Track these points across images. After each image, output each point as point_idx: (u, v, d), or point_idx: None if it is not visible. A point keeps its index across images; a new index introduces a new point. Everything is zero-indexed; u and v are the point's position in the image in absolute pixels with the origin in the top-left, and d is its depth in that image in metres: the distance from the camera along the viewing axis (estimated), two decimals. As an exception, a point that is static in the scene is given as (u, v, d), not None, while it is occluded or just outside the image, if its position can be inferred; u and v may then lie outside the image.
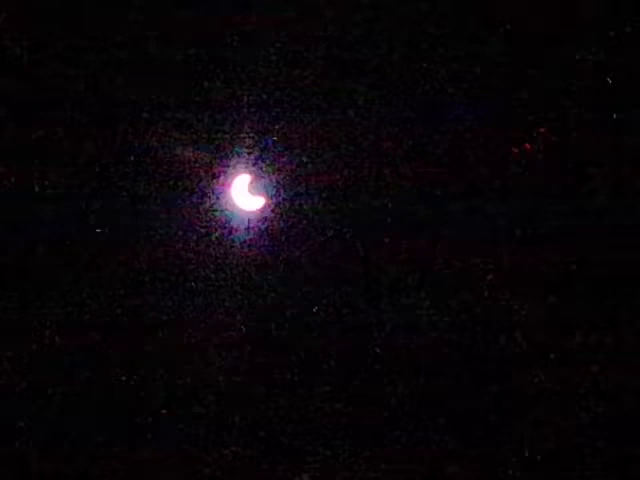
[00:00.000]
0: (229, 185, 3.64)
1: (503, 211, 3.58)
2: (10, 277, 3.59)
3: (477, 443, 3.52)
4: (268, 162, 3.62)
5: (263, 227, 3.63)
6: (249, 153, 3.61)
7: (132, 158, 3.62)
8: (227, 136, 3.60)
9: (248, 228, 3.63)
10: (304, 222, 3.62)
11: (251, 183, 3.63)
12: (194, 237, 3.61)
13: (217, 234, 3.61)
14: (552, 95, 3.59)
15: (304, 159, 3.62)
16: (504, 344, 3.56)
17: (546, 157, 3.59)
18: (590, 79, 3.58)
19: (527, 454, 3.49)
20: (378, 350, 3.59)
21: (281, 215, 3.63)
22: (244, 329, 3.62)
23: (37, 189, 3.61)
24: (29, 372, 3.56)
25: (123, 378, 3.57)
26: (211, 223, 3.62)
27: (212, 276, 3.61)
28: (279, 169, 3.62)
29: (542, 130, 3.59)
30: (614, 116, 3.56)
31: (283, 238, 3.62)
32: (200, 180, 3.61)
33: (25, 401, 3.55)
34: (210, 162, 3.60)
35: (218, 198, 3.63)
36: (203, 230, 3.61)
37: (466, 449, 3.52)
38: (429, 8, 3.60)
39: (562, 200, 3.59)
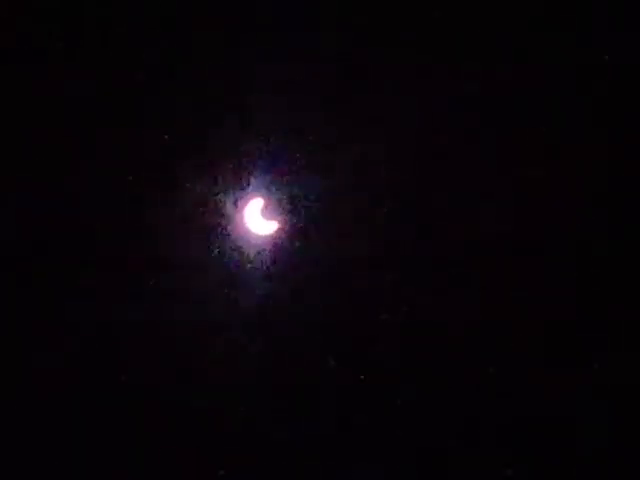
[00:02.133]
0: (242, 208, 3.63)
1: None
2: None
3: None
4: (281, 185, 3.59)
5: (276, 251, 3.61)
6: (262, 176, 3.59)
7: (142, 177, 3.60)
8: (241, 159, 3.58)
9: (261, 252, 3.62)
10: (317, 245, 3.60)
11: (264, 207, 3.62)
12: (207, 260, 3.60)
13: (230, 257, 3.60)
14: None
15: (318, 182, 3.59)
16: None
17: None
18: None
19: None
20: (393, 375, 3.58)
21: (294, 239, 3.61)
22: (257, 352, 3.63)
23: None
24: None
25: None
26: (224, 246, 3.61)
27: (224, 299, 3.61)
28: (292, 191, 3.59)
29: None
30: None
31: (296, 262, 3.61)
32: (213, 204, 3.60)
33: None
34: (223, 185, 3.59)
35: (231, 221, 3.62)
36: (216, 253, 3.60)
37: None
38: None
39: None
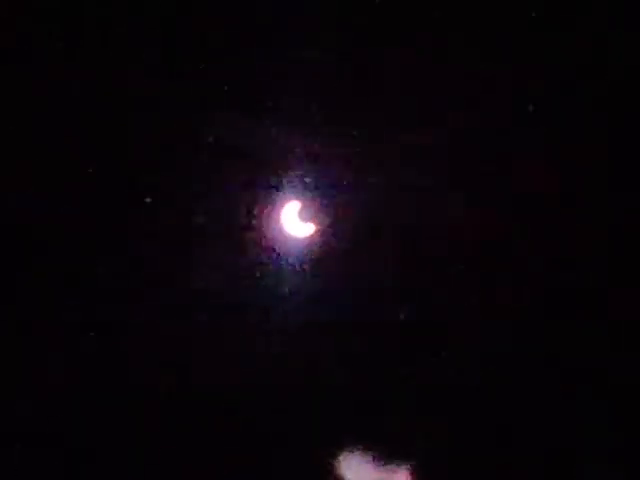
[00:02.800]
0: (279, 211, 3.60)
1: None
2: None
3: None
4: (318, 189, 3.56)
5: (313, 254, 3.61)
6: (300, 179, 3.56)
7: (173, 179, 3.56)
8: (278, 163, 3.54)
9: (298, 255, 3.61)
10: (354, 249, 3.61)
11: (301, 209, 3.59)
12: (243, 263, 3.60)
13: (266, 260, 3.59)
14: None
15: (354, 186, 3.57)
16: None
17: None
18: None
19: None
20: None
21: (331, 242, 3.61)
22: (293, 357, 3.67)
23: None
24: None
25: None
26: (261, 249, 3.60)
27: (261, 303, 3.62)
28: (329, 196, 3.58)
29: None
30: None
31: (333, 265, 3.61)
32: (250, 205, 3.56)
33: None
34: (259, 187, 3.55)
35: (268, 224, 3.60)
36: (252, 256, 3.59)
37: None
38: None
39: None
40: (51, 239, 3.54)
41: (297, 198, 3.59)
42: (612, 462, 3.52)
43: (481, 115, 3.52)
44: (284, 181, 3.55)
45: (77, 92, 3.43)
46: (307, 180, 3.55)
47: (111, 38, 3.41)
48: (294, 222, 3.60)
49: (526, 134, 3.58)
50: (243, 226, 3.57)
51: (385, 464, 3.56)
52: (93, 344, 3.57)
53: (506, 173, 3.57)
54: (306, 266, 3.60)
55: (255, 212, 3.56)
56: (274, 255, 3.60)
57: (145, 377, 3.57)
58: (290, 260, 3.60)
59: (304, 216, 3.60)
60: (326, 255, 3.61)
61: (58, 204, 3.50)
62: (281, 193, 3.57)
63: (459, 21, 3.45)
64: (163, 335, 3.58)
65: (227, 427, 3.59)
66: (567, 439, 3.58)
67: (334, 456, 3.55)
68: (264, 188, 3.56)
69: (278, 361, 3.64)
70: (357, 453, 3.55)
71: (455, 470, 3.57)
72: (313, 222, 3.61)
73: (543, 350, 3.58)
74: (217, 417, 3.59)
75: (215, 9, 3.42)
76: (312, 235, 3.62)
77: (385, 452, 3.57)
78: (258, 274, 3.59)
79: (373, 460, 3.55)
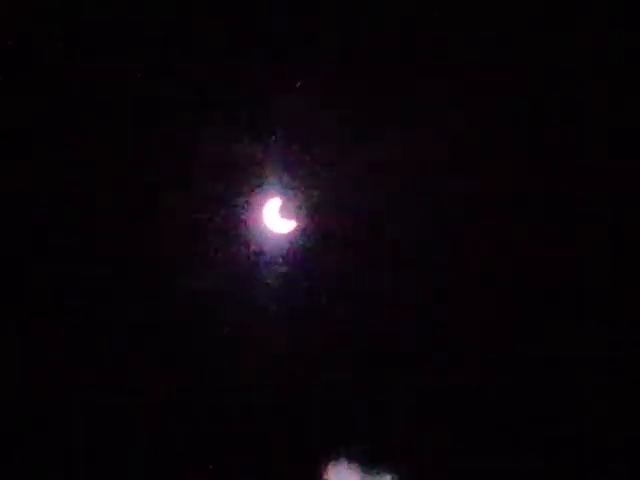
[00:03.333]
0: (261, 208, 3.67)
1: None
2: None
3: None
4: (300, 186, 3.62)
5: (294, 249, 3.66)
6: (281, 177, 3.61)
7: (158, 178, 3.62)
8: (260, 161, 3.59)
9: (280, 251, 3.66)
10: (335, 245, 3.64)
11: (283, 206, 3.66)
12: (227, 259, 3.64)
13: (249, 256, 3.65)
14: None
15: (336, 182, 3.61)
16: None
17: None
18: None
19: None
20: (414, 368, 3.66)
21: (312, 238, 3.65)
22: (276, 349, 3.69)
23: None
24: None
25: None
26: (243, 245, 3.65)
27: (244, 297, 3.66)
28: (310, 193, 3.63)
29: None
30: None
31: (314, 260, 3.66)
32: (233, 203, 3.62)
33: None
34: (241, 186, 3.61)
35: (250, 221, 3.65)
36: (235, 252, 3.64)
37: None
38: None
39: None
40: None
41: (279, 196, 3.66)
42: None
43: (470, 113, 3.55)
44: (266, 179, 3.61)
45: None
46: (289, 178, 3.61)
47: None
48: (276, 219, 3.67)
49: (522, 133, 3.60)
50: (227, 223, 3.62)
51: (372, 469, 3.57)
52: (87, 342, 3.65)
53: (489, 170, 3.58)
54: (288, 262, 3.65)
55: (238, 210, 3.62)
56: (257, 251, 3.65)
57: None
58: (272, 256, 3.66)
59: (286, 213, 3.66)
60: (308, 251, 3.66)
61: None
62: (263, 191, 3.64)
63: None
64: (150, 327, 3.64)
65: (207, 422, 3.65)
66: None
67: (322, 462, 3.57)
68: (247, 186, 3.62)
69: (261, 357, 3.67)
70: (345, 458, 3.57)
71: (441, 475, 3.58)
72: (294, 219, 3.67)
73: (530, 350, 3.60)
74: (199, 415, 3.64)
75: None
76: (294, 231, 3.67)
77: (372, 457, 3.58)
78: (242, 269, 3.65)
79: (360, 465, 3.56)
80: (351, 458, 3.57)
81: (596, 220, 3.55)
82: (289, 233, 3.66)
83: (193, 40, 3.50)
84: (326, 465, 3.55)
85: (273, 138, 3.53)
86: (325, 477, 3.55)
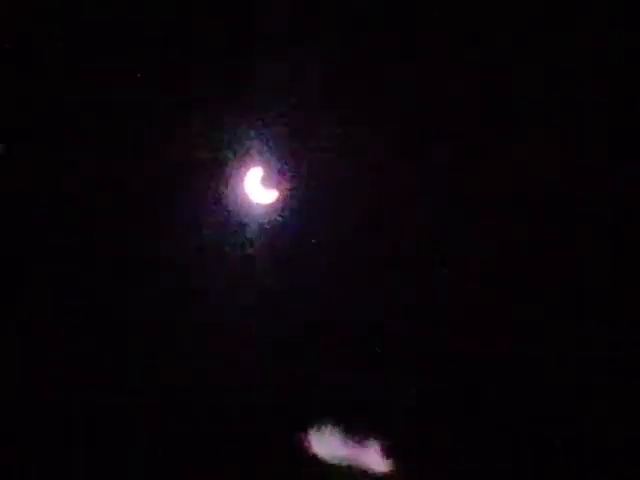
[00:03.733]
0: (242, 178, 3.65)
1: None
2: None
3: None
4: (281, 155, 3.61)
5: (276, 220, 3.64)
6: (262, 147, 3.60)
7: (139, 153, 3.62)
8: (240, 130, 3.58)
9: (261, 221, 3.64)
10: (316, 215, 3.64)
11: (264, 176, 3.63)
12: (206, 230, 3.63)
13: (229, 227, 3.63)
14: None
15: (317, 152, 3.59)
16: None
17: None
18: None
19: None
20: (388, 344, 3.66)
21: (294, 208, 3.64)
22: (254, 324, 3.67)
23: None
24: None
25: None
26: (223, 216, 3.64)
27: (223, 269, 3.65)
28: (292, 162, 3.61)
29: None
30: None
31: (295, 231, 3.65)
32: (212, 173, 3.62)
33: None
34: (223, 155, 3.60)
35: (230, 191, 3.64)
36: (215, 223, 3.63)
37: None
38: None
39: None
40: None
41: (260, 165, 3.64)
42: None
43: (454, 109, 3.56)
44: (248, 149, 3.60)
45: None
46: (270, 148, 3.59)
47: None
48: (257, 189, 3.65)
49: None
50: (208, 194, 3.62)
51: (356, 439, 3.58)
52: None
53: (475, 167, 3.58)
54: (269, 232, 3.64)
55: (219, 179, 3.62)
56: (238, 221, 3.64)
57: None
58: (253, 226, 3.64)
59: (267, 183, 3.64)
60: (288, 221, 3.65)
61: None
62: (244, 161, 3.62)
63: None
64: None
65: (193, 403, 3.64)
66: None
67: (306, 432, 3.58)
68: (229, 156, 3.61)
69: (244, 329, 3.66)
70: (329, 429, 3.58)
71: (425, 448, 3.58)
72: (276, 188, 3.65)
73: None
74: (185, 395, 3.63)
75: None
76: (275, 201, 3.65)
77: (356, 428, 3.59)
78: (223, 239, 3.64)
79: (344, 436, 3.57)
80: (336, 429, 3.58)
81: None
82: (271, 203, 3.64)
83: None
84: (310, 436, 3.57)
85: (256, 109, 3.54)
86: (309, 447, 3.57)
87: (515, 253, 3.57)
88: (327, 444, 3.58)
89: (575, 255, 3.54)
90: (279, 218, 3.62)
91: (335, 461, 3.59)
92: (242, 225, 3.63)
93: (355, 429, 3.58)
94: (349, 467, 3.60)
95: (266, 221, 3.63)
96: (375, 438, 3.57)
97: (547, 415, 3.54)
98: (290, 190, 3.61)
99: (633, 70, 3.45)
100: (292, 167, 3.60)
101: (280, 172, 3.60)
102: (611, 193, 3.50)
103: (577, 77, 3.48)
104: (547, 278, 3.56)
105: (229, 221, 3.63)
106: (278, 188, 3.62)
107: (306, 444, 3.57)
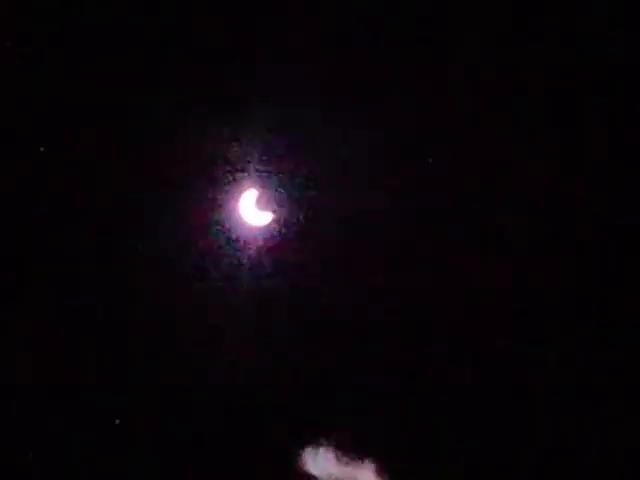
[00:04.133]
0: (237, 200, 3.68)
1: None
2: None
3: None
4: (276, 178, 3.64)
5: (270, 241, 3.67)
6: (257, 169, 3.63)
7: (136, 169, 3.65)
8: (236, 152, 3.61)
9: (255, 242, 3.66)
10: (310, 236, 3.65)
11: (259, 198, 3.67)
12: (202, 250, 3.65)
13: (224, 248, 3.65)
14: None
15: (312, 176, 3.63)
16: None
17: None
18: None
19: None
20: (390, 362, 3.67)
21: (288, 230, 3.65)
22: (250, 341, 3.68)
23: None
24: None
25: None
26: (219, 237, 3.65)
27: (219, 289, 3.67)
28: (287, 185, 3.64)
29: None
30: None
31: (290, 252, 3.66)
32: (208, 194, 3.64)
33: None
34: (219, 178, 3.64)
35: (226, 212, 3.67)
36: (211, 244, 3.65)
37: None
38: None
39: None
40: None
41: (255, 187, 3.67)
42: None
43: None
44: (243, 171, 3.64)
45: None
46: (265, 170, 3.63)
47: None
48: (252, 210, 3.68)
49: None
50: (204, 214, 3.64)
51: (350, 457, 3.57)
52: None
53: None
54: (263, 253, 3.66)
55: (214, 201, 3.64)
56: (232, 242, 3.66)
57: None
58: (247, 247, 3.66)
59: (261, 205, 3.67)
60: (281, 244, 3.66)
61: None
62: (240, 182, 3.65)
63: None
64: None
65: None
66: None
67: (300, 450, 3.56)
68: (224, 177, 3.64)
69: (237, 346, 3.67)
70: (322, 447, 3.57)
71: (418, 464, 3.57)
72: (270, 210, 3.68)
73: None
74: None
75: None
76: (269, 223, 3.68)
77: (350, 446, 3.58)
78: (217, 260, 3.66)
79: (338, 454, 3.56)
80: (330, 446, 3.56)
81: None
82: (265, 225, 3.66)
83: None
84: (305, 453, 3.55)
85: (253, 132, 3.57)
86: (304, 465, 3.55)
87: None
88: (321, 462, 3.57)
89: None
90: (274, 239, 3.65)
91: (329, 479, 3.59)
92: (236, 246, 3.65)
93: (348, 447, 3.58)
94: None
95: (260, 242, 3.65)
96: (368, 456, 3.57)
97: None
98: (284, 212, 3.64)
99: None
100: (287, 189, 3.64)
101: (275, 194, 3.63)
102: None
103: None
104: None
105: (224, 242, 3.65)
106: (272, 210, 3.66)
107: (300, 463, 3.56)
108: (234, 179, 3.62)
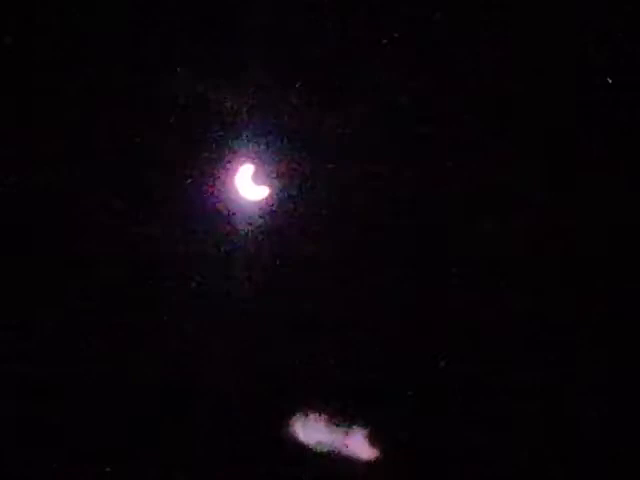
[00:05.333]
0: (233, 175, 3.62)
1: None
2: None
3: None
4: (272, 152, 3.59)
5: (267, 217, 3.63)
6: (253, 143, 3.58)
7: (133, 150, 3.59)
8: (231, 127, 3.57)
9: (252, 218, 3.63)
10: (308, 212, 3.63)
11: (255, 173, 3.61)
12: (197, 227, 3.62)
13: (220, 223, 3.62)
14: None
15: (308, 149, 3.60)
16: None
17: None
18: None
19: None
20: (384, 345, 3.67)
21: (285, 205, 3.63)
22: (245, 320, 3.66)
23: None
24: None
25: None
26: (214, 212, 3.62)
27: (214, 266, 3.64)
28: (283, 159, 3.60)
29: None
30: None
31: (287, 228, 3.64)
32: (204, 170, 3.59)
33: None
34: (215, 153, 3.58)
35: (222, 188, 3.62)
36: (206, 219, 3.61)
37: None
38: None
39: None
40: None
41: (251, 162, 3.62)
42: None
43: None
44: (239, 145, 3.59)
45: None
46: (262, 145, 3.58)
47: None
48: (248, 185, 3.63)
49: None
50: (199, 190, 3.60)
51: (339, 426, 3.61)
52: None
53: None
54: (260, 229, 3.63)
55: (211, 176, 3.60)
56: (229, 217, 3.62)
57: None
58: (244, 222, 3.63)
59: (258, 179, 3.63)
60: (280, 218, 3.64)
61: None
62: (236, 157, 3.60)
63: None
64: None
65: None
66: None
67: (290, 418, 3.60)
68: (220, 152, 3.59)
69: (232, 323, 3.66)
70: (312, 415, 3.61)
71: (408, 435, 3.62)
72: (267, 185, 3.64)
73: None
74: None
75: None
76: (266, 198, 3.64)
77: (339, 414, 3.62)
78: (214, 236, 3.63)
79: (327, 422, 3.61)
80: (319, 414, 3.62)
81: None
82: (261, 200, 3.63)
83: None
84: (293, 421, 3.60)
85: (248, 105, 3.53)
86: (292, 433, 3.60)
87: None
88: (312, 431, 3.61)
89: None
90: (270, 215, 3.62)
91: (320, 448, 3.63)
92: (234, 222, 3.62)
93: (340, 416, 3.62)
94: (334, 453, 3.63)
95: (257, 218, 3.62)
96: (360, 425, 3.61)
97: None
98: (282, 187, 3.61)
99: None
100: (284, 164, 3.60)
101: (272, 169, 3.60)
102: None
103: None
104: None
105: (221, 218, 3.61)
106: (269, 185, 3.62)
107: (291, 431, 3.60)
108: (230, 154, 3.58)
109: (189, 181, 3.57)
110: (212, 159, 3.58)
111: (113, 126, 3.54)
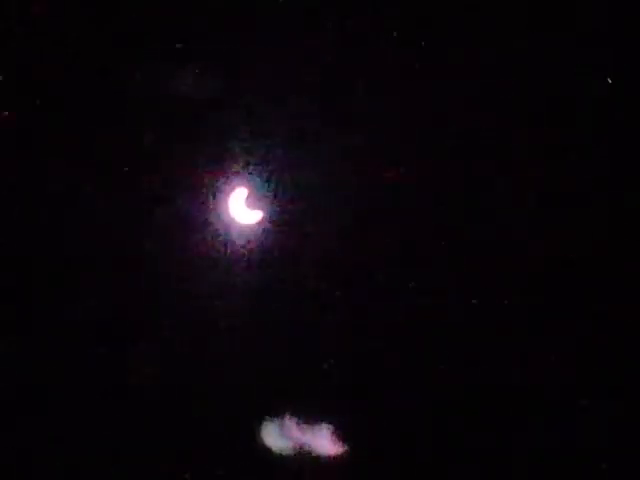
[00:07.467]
0: (227, 198, 3.61)
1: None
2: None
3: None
4: (267, 176, 3.58)
5: (260, 241, 3.62)
6: (247, 167, 3.57)
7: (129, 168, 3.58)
8: (226, 149, 3.56)
9: (245, 242, 3.62)
10: (302, 236, 3.64)
11: (249, 197, 3.60)
12: (190, 250, 3.61)
13: (214, 247, 3.61)
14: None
15: (303, 173, 3.59)
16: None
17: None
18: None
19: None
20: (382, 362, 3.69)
21: (279, 229, 3.62)
22: (240, 343, 3.69)
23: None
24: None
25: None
26: (208, 236, 3.61)
27: (208, 289, 3.64)
28: (277, 183, 3.58)
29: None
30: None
31: (280, 252, 3.63)
32: (197, 192, 3.58)
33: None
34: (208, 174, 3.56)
35: (215, 211, 3.61)
36: (200, 243, 3.61)
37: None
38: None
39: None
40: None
41: (245, 186, 3.61)
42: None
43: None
44: (233, 171, 3.58)
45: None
46: (255, 170, 3.58)
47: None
48: (242, 210, 3.62)
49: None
50: (193, 214, 3.59)
51: (308, 428, 3.62)
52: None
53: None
54: (253, 253, 3.62)
55: (205, 199, 3.58)
56: (222, 242, 3.61)
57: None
58: (237, 246, 3.62)
59: (251, 204, 3.61)
60: (273, 242, 3.63)
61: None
62: (230, 182, 3.59)
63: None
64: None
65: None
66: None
67: (258, 421, 3.62)
68: (214, 177, 3.58)
69: (224, 336, 3.69)
70: (280, 418, 3.61)
71: (377, 434, 3.63)
72: (260, 210, 3.62)
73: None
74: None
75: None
76: (259, 223, 3.63)
77: (308, 416, 3.63)
78: (207, 260, 3.62)
79: (296, 424, 3.61)
80: (288, 417, 3.63)
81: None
82: (255, 224, 3.62)
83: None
84: (262, 425, 3.61)
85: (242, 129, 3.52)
86: (262, 437, 3.61)
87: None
88: (277, 433, 3.62)
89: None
90: (263, 238, 3.61)
91: (286, 449, 3.64)
92: (226, 245, 3.61)
93: (305, 415, 3.63)
94: (301, 454, 3.65)
95: (250, 241, 3.61)
96: (326, 423, 3.63)
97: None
98: (276, 210, 3.60)
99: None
100: (279, 187, 3.59)
101: (266, 192, 3.58)
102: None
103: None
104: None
105: (214, 241, 3.61)
106: (263, 208, 3.61)
107: (258, 434, 3.62)
108: (224, 177, 3.57)
109: (187, 192, 3.58)
110: (209, 170, 3.58)
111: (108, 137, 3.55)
